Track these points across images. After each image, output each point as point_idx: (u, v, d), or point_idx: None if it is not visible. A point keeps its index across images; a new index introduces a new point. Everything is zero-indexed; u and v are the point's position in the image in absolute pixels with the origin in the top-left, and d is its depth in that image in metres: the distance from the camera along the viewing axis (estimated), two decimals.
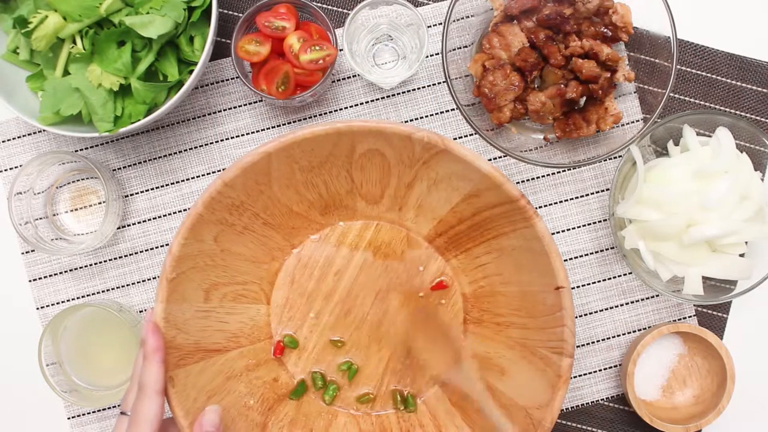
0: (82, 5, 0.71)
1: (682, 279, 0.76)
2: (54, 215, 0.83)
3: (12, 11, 0.75)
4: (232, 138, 0.83)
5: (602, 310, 0.83)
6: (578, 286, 0.83)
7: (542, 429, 0.70)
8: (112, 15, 0.73)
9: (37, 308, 0.83)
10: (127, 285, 0.83)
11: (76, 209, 0.83)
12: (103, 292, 0.83)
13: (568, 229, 0.83)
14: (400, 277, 0.79)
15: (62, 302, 0.83)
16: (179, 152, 0.83)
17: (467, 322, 0.80)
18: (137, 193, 0.83)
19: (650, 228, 0.75)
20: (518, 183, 0.83)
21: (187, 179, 0.83)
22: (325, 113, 0.83)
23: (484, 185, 0.71)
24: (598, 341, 0.83)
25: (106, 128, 0.73)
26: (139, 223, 0.83)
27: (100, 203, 0.83)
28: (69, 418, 0.83)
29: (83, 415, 0.83)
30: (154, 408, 0.63)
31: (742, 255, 0.76)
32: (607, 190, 0.83)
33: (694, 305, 0.83)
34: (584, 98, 0.79)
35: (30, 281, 0.83)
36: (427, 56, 0.82)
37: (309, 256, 0.80)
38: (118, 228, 0.83)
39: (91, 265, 0.83)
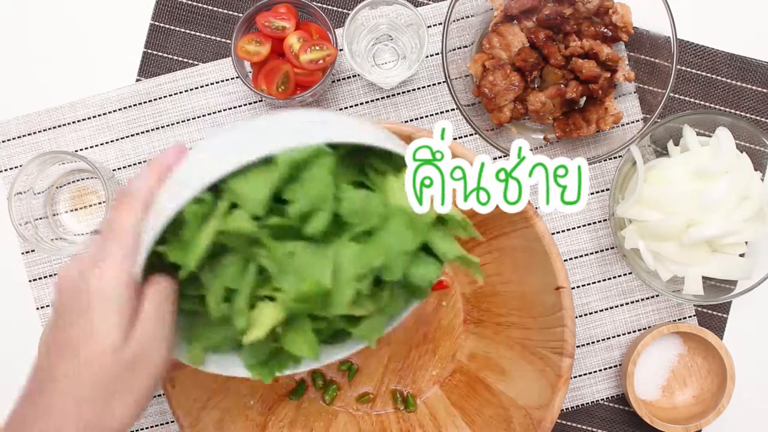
0: None
1: (682, 279, 0.76)
2: (54, 215, 0.83)
3: None
4: None
5: (602, 310, 0.83)
6: (578, 286, 0.83)
7: (542, 429, 0.70)
8: None
9: (37, 308, 0.83)
10: None
11: (76, 209, 0.83)
12: None
13: (568, 229, 0.83)
14: None
15: None
16: None
17: (467, 322, 0.80)
18: None
19: (650, 228, 0.75)
20: None
21: None
22: None
23: None
24: (598, 341, 0.83)
25: None
26: None
27: (100, 203, 0.83)
28: None
29: None
30: (131, 217, 0.50)
31: (742, 255, 0.76)
32: (607, 190, 0.83)
33: (694, 305, 0.83)
34: (584, 98, 0.79)
35: (30, 281, 0.83)
36: (427, 56, 0.82)
37: None
38: None
39: None
